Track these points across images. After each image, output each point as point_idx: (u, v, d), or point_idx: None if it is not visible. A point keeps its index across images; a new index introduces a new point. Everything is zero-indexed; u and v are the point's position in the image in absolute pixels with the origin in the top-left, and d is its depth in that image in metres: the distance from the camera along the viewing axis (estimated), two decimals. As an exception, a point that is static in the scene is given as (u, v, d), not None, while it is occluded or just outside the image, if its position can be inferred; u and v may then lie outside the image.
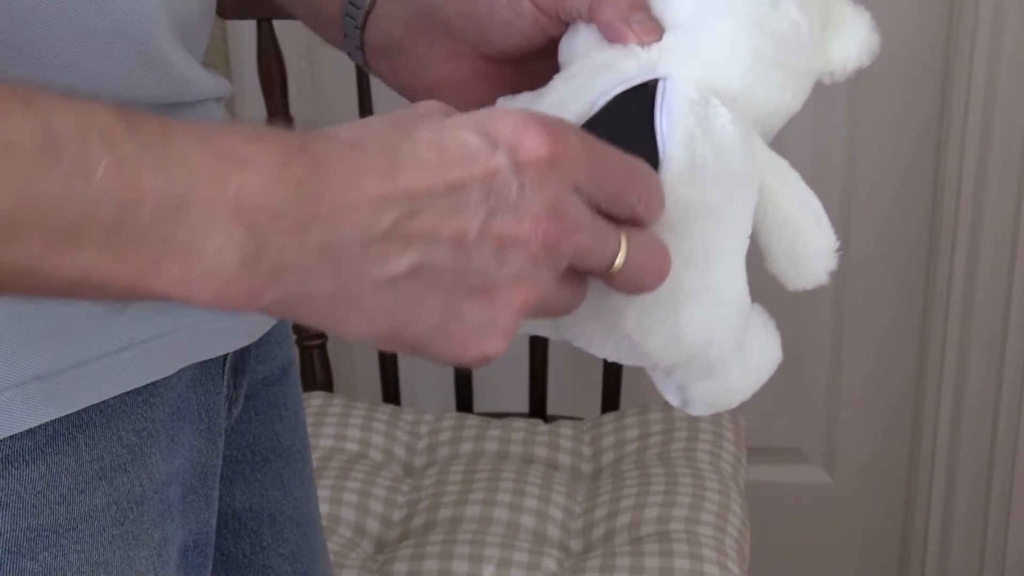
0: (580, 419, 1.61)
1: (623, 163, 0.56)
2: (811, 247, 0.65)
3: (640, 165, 0.57)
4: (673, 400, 0.65)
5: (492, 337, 0.53)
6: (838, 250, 0.67)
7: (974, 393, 1.89)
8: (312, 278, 0.49)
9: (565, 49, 0.67)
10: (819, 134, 1.82)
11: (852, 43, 0.67)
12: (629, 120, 0.61)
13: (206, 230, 0.47)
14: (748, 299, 0.63)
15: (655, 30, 0.64)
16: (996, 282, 1.83)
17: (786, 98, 0.65)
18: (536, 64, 0.68)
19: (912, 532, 2.03)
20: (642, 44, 0.64)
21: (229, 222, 0.47)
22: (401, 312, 0.51)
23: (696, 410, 0.65)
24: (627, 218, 0.56)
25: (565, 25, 0.67)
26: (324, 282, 0.49)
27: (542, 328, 0.64)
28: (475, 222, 0.51)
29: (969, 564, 1.97)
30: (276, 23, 1.54)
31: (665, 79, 0.62)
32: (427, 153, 0.51)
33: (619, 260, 0.55)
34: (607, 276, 0.56)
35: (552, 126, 0.53)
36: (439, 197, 0.50)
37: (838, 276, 2.16)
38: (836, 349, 1.96)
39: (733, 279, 0.62)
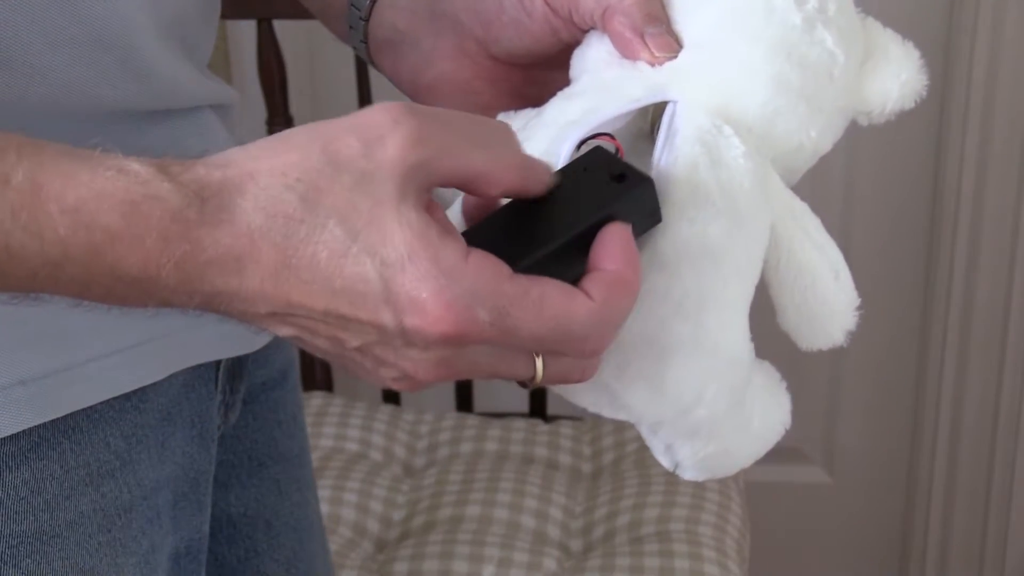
0: (580, 419, 1.61)
1: (558, 324, 0.50)
2: (827, 303, 0.59)
3: (576, 320, 0.50)
4: (663, 460, 0.59)
5: (387, 383, 0.52)
6: (858, 307, 0.60)
7: (974, 393, 1.89)
8: (209, 310, 0.50)
9: (576, 61, 0.62)
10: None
11: (894, 82, 0.61)
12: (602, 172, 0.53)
13: (89, 284, 0.48)
14: (749, 356, 0.57)
15: (670, 46, 0.59)
16: (996, 282, 1.83)
17: (811, 135, 0.59)
18: (546, 72, 0.65)
19: (912, 532, 2.03)
20: (654, 62, 0.59)
21: (112, 283, 0.48)
22: (299, 342, 0.52)
23: (688, 474, 0.59)
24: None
25: (579, 32, 0.63)
26: (222, 310, 0.50)
27: None
28: (354, 341, 0.50)
29: (969, 564, 1.97)
30: (276, 23, 1.54)
31: (675, 103, 0.57)
32: (322, 266, 0.48)
33: (536, 379, 0.52)
34: None
35: (459, 305, 0.48)
36: (319, 315, 0.49)
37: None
38: (836, 349, 1.95)
39: (730, 332, 0.56)
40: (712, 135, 0.56)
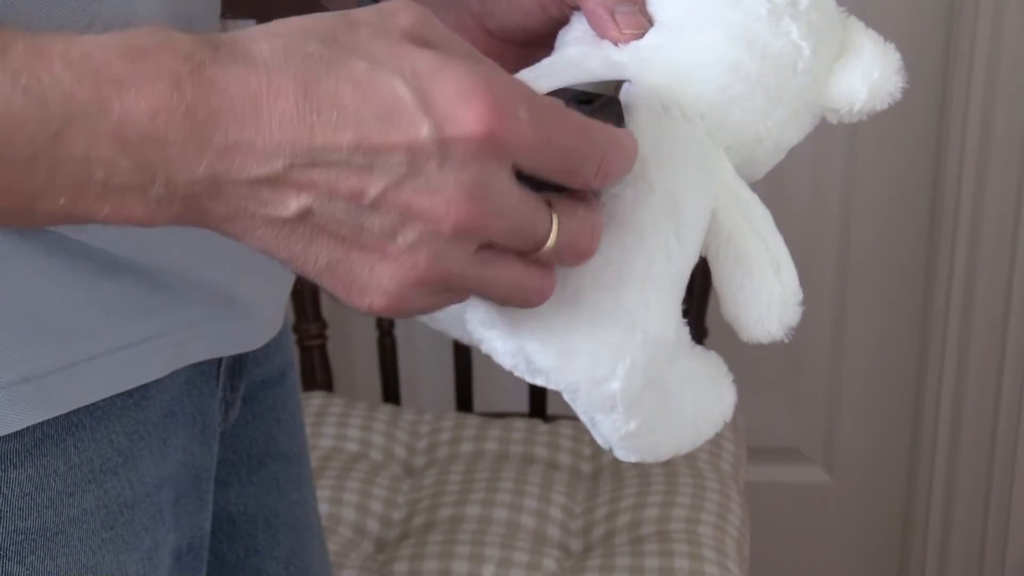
0: (580, 419, 1.61)
1: (582, 134, 0.51)
2: (764, 294, 0.58)
3: (603, 132, 0.52)
4: (597, 439, 0.58)
5: (376, 294, 0.50)
6: (802, 301, 0.59)
7: (974, 393, 1.89)
8: (202, 203, 0.48)
9: (559, 40, 0.63)
10: (819, 134, 1.82)
11: (863, 81, 0.60)
12: None
13: (90, 162, 0.46)
14: (675, 337, 0.57)
15: (638, 24, 0.59)
16: (996, 282, 1.83)
17: (768, 126, 0.59)
18: (541, 51, 0.65)
19: (912, 532, 2.03)
20: (619, 39, 0.59)
21: (113, 153, 0.46)
22: (289, 247, 0.49)
23: (618, 453, 0.58)
24: (580, 188, 0.52)
25: (567, 9, 0.63)
26: (216, 207, 0.48)
27: (452, 328, 0.59)
28: (379, 186, 0.47)
29: (969, 564, 1.97)
30: (276, 23, 1.54)
31: (629, 82, 0.57)
32: (348, 98, 0.47)
33: (548, 244, 0.51)
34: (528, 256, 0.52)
35: (501, 99, 0.48)
36: (345, 152, 0.47)
37: (838, 276, 2.18)
38: (836, 349, 1.96)
39: (652, 310, 0.55)
40: (658, 115, 0.56)
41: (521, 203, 0.50)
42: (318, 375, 1.64)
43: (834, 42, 0.60)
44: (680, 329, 0.58)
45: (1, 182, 0.46)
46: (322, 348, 1.64)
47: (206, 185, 0.47)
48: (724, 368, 0.62)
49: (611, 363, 0.55)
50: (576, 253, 0.53)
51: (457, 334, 0.59)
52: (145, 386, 0.62)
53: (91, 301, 0.58)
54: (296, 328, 1.62)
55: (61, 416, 0.58)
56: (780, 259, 0.59)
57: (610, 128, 0.52)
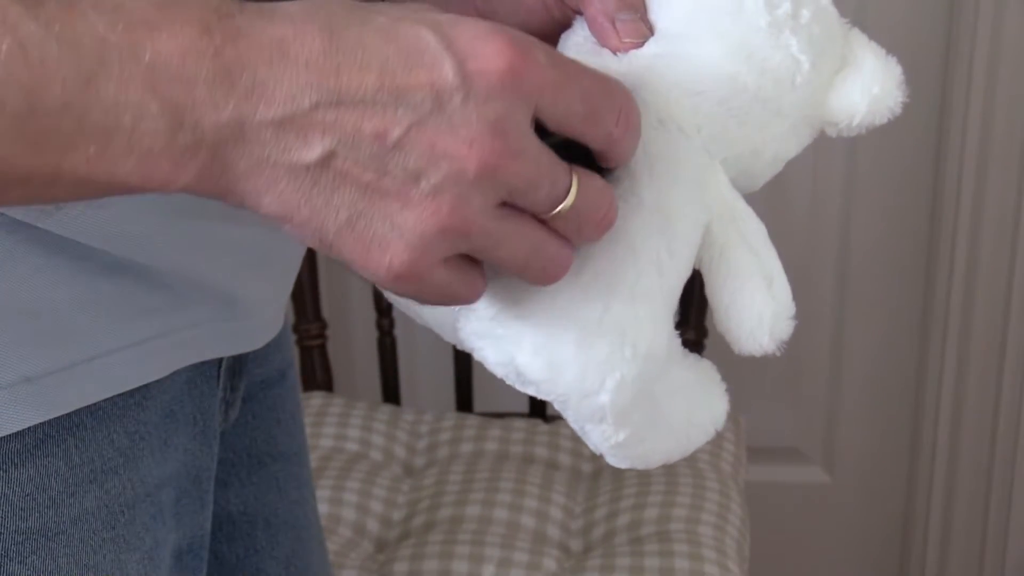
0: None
1: (598, 83, 0.52)
2: (755, 307, 0.58)
3: (617, 86, 0.52)
4: (589, 444, 0.58)
5: (397, 248, 0.49)
6: (795, 316, 0.59)
7: (974, 393, 1.89)
8: (227, 153, 0.48)
9: (561, 44, 0.63)
10: (819, 135, 1.82)
11: (863, 95, 0.60)
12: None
13: (120, 106, 0.46)
14: (666, 351, 0.57)
15: (638, 32, 0.59)
16: (996, 282, 1.83)
17: (766, 139, 0.59)
18: None
19: (912, 532, 2.03)
20: (618, 48, 0.59)
21: (143, 96, 0.46)
22: (310, 201, 0.49)
23: (610, 460, 0.58)
24: (600, 144, 0.52)
25: (569, 12, 0.63)
26: (239, 158, 0.48)
27: (445, 331, 0.59)
28: (403, 124, 0.48)
29: (969, 564, 1.97)
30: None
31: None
32: (372, 42, 0.48)
33: (566, 202, 0.51)
34: (547, 219, 0.52)
35: (518, 40, 0.49)
36: (370, 92, 0.48)
37: (839, 276, 2.17)
38: (836, 349, 1.96)
39: (643, 324, 0.55)
40: (654, 129, 0.56)
41: (541, 151, 0.50)
42: (318, 375, 1.64)
43: (835, 55, 0.60)
44: (671, 342, 0.58)
45: (31, 133, 0.46)
46: (322, 348, 1.64)
47: (232, 129, 0.47)
48: (717, 377, 0.62)
49: (600, 376, 0.55)
50: (595, 220, 0.53)
51: (450, 338, 0.59)
52: (146, 386, 0.62)
53: (91, 301, 0.58)
54: (296, 328, 1.62)
55: (62, 416, 0.58)
56: (773, 274, 0.59)
57: (620, 82, 0.53)
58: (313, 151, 0.48)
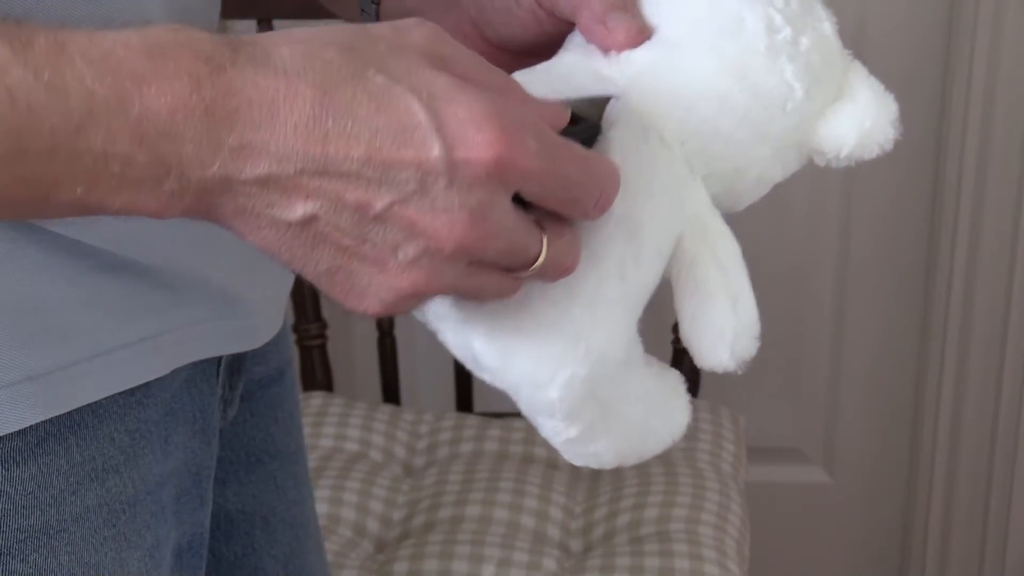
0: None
1: (584, 166, 0.53)
2: (717, 323, 0.58)
3: (602, 165, 0.53)
4: (541, 434, 0.59)
5: (372, 301, 0.51)
6: (759, 335, 0.59)
7: (974, 393, 1.89)
8: (213, 199, 0.49)
9: (566, 45, 0.63)
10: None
11: (851, 128, 0.60)
12: None
13: (108, 156, 0.46)
14: (623, 355, 0.57)
15: (629, 28, 0.59)
16: (996, 282, 1.83)
17: (749, 160, 0.59)
18: (536, 60, 0.65)
19: (912, 532, 2.03)
20: (614, 45, 0.59)
21: (131, 148, 0.46)
22: (291, 250, 0.50)
23: (565, 455, 0.59)
24: (576, 218, 0.54)
25: (562, 24, 0.64)
26: (226, 203, 0.49)
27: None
28: (386, 200, 0.49)
29: (969, 564, 1.97)
30: (276, 23, 1.54)
31: (616, 98, 0.57)
32: (363, 110, 0.48)
33: (535, 265, 0.53)
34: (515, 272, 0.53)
35: (511, 127, 0.49)
36: (356, 164, 0.48)
37: (838, 276, 2.17)
38: (836, 349, 1.96)
39: (600, 327, 0.56)
40: (636, 140, 0.56)
41: (517, 225, 0.51)
42: (318, 375, 1.64)
43: (831, 85, 0.60)
44: (633, 348, 0.58)
45: (20, 173, 0.46)
46: (322, 348, 1.64)
47: (218, 183, 0.48)
48: (682, 388, 0.62)
49: (551, 371, 0.55)
50: (559, 271, 0.54)
51: (419, 317, 0.60)
52: (146, 384, 0.62)
53: (92, 300, 0.59)
54: (296, 328, 1.62)
55: (63, 415, 0.58)
56: (739, 292, 0.59)
57: (608, 161, 0.54)
58: (295, 212, 0.49)
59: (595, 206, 0.53)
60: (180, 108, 0.46)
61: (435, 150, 0.48)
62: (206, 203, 0.49)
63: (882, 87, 0.61)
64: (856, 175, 1.87)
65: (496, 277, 0.53)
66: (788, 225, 1.88)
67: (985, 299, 1.84)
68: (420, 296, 0.51)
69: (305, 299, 1.61)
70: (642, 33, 0.60)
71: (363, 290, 0.51)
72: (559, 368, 0.55)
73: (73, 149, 0.46)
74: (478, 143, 0.48)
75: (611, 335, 0.56)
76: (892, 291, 1.94)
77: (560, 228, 0.53)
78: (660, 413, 0.61)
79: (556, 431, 0.57)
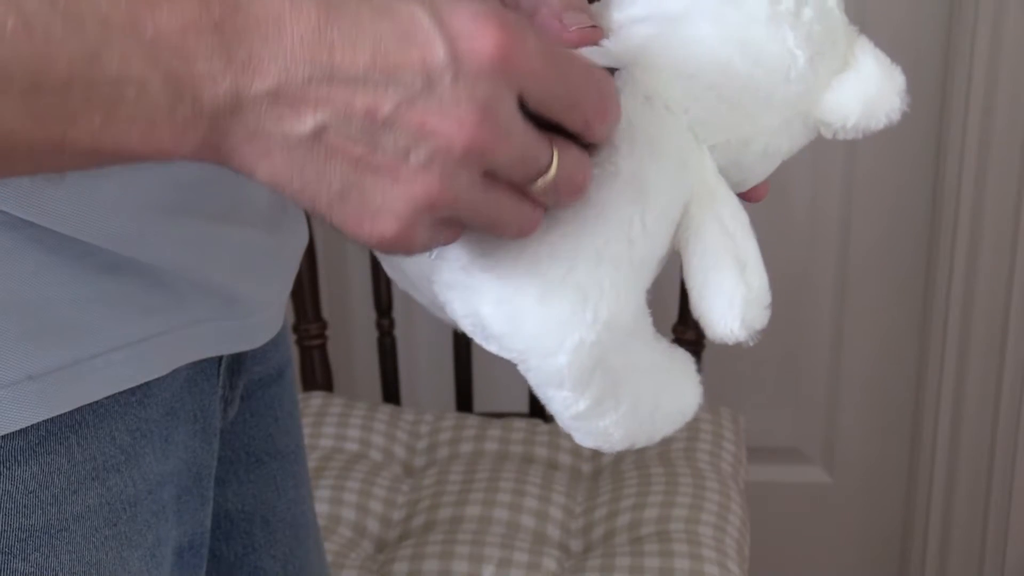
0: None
1: (584, 72, 0.53)
2: (725, 291, 0.58)
3: (601, 76, 0.54)
4: (551, 411, 0.58)
5: (388, 219, 0.51)
6: (769, 304, 0.58)
7: (974, 393, 1.89)
8: (224, 123, 0.49)
9: None
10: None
11: (856, 98, 0.60)
12: None
13: (123, 81, 0.47)
14: (631, 324, 0.57)
15: (583, 27, 0.60)
16: (996, 282, 1.83)
17: (755, 129, 0.59)
18: None
19: (912, 532, 2.03)
20: (571, 40, 0.59)
21: (145, 70, 0.47)
22: (303, 173, 0.50)
23: (575, 436, 0.59)
24: (576, 129, 0.54)
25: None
26: (235, 128, 0.49)
27: (421, 289, 0.60)
28: (393, 102, 0.49)
29: (969, 564, 1.97)
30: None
31: (619, 69, 0.58)
32: (367, 20, 0.49)
33: (546, 176, 0.53)
34: (527, 190, 0.53)
35: (510, 23, 0.50)
36: (362, 70, 0.49)
37: (838, 276, 2.17)
38: (836, 349, 1.96)
39: (606, 291, 0.56)
40: (639, 104, 0.57)
41: (526, 131, 0.51)
42: (318, 375, 1.65)
43: (836, 56, 0.60)
44: (641, 319, 0.58)
45: (37, 109, 0.47)
46: (322, 348, 1.64)
47: (228, 101, 0.48)
48: (692, 368, 0.62)
49: (559, 336, 0.55)
50: (572, 186, 0.54)
51: (427, 295, 0.60)
52: (147, 384, 0.63)
53: (93, 300, 0.59)
54: (296, 328, 1.62)
55: (64, 414, 0.58)
56: (748, 259, 0.59)
57: (607, 75, 0.54)
58: (305, 124, 0.49)
59: (596, 114, 0.53)
60: (191, 26, 0.47)
61: (438, 45, 0.49)
62: (218, 130, 0.49)
63: (888, 59, 0.61)
64: (856, 175, 1.87)
65: (512, 200, 0.53)
66: (788, 225, 1.88)
67: (985, 299, 1.84)
68: (435, 208, 0.51)
69: (305, 299, 1.62)
70: (596, 32, 0.60)
71: (378, 207, 0.51)
72: (567, 334, 0.55)
73: (90, 78, 0.47)
74: (480, 35, 0.49)
75: (618, 301, 0.56)
76: (892, 291, 1.94)
77: (568, 144, 0.54)
78: (670, 391, 0.61)
79: (565, 403, 0.57)
